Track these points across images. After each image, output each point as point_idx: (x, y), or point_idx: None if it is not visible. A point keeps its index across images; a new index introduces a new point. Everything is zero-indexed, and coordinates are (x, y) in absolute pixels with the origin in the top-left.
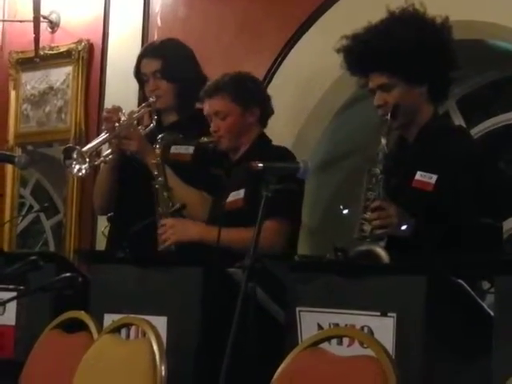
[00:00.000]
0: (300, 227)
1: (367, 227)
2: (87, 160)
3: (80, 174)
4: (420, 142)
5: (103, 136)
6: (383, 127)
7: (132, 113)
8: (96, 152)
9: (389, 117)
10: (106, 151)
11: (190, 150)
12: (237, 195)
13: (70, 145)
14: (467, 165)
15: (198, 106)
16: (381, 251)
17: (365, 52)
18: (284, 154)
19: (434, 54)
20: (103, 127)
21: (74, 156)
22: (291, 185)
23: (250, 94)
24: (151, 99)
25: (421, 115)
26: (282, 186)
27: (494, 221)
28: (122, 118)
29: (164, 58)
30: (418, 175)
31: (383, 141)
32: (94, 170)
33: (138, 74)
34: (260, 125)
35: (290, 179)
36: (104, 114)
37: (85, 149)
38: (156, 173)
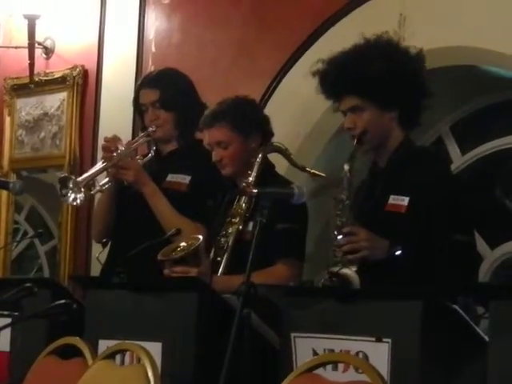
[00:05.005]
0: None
1: (339, 252)
2: (82, 190)
3: (75, 203)
4: (391, 167)
5: (100, 165)
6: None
7: (130, 142)
8: (92, 181)
9: (354, 143)
10: (103, 180)
11: (187, 179)
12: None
13: (66, 174)
14: (438, 185)
15: (197, 135)
16: (351, 274)
17: (339, 75)
18: (287, 180)
19: (404, 82)
20: (101, 156)
21: (70, 185)
22: (296, 225)
23: (250, 120)
24: (150, 129)
25: (391, 140)
26: (288, 225)
27: (466, 237)
28: (120, 148)
29: (162, 88)
30: (391, 199)
31: (346, 167)
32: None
33: (137, 104)
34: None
35: (295, 218)
36: (102, 143)
37: (80, 179)
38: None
